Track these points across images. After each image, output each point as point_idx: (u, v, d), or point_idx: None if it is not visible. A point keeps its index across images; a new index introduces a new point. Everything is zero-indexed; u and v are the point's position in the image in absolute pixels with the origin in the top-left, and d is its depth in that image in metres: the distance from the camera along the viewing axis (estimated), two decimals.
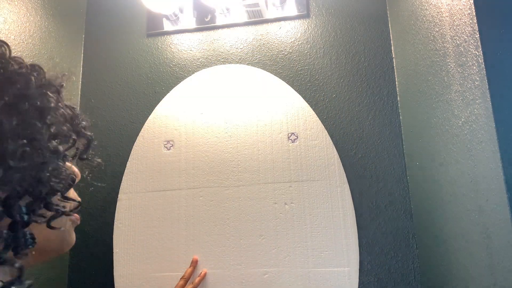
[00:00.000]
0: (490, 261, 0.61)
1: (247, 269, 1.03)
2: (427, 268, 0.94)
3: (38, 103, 0.39)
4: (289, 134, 1.10)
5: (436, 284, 0.89)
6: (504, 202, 0.54)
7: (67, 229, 0.46)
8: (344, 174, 1.05)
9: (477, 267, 0.67)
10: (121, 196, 1.12)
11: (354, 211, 1.02)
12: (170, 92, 1.19)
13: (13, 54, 0.40)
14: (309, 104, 1.11)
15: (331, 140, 1.08)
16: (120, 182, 1.13)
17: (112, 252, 1.09)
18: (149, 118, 1.18)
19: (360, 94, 1.11)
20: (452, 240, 0.77)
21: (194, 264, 1.04)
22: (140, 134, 1.17)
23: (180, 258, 1.05)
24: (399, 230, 1.01)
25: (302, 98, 1.12)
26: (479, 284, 0.66)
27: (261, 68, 1.17)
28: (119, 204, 1.12)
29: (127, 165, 1.15)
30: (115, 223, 1.10)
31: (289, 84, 1.14)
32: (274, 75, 1.16)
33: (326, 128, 1.09)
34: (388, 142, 1.07)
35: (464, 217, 0.70)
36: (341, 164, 1.06)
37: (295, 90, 1.13)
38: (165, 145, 1.15)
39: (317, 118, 1.10)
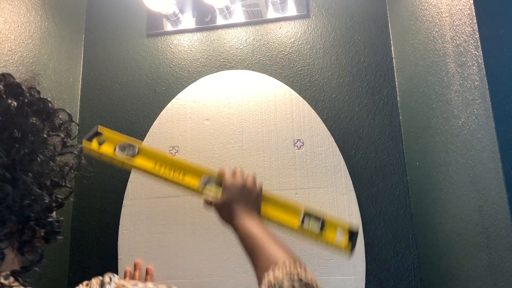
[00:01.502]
0: (490, 261, 0.61)
1: (253, 276, 1.01)
2: (427, 268, 0.94)
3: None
4: (295, 141, 1.09)
5: (436, 284, 0.89)
6: (504, 202, 0.54)
7: None
8: (351, 181, 1.04)
9: (477, 267, 0.67)
10: (125, 202, 1.12)
11: (360, 218, 1.01)
12: (175, 96, 1.19)
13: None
14: (309, 104, 1.11)
15: (337, 147, 1.07)
16: (125, 188, 1.13)
17: (117, 258, 1.08)
18: (154, 123, 1.17)
19: (360, 94, 1.11)
20: (452, 240, 0.77)
21: (138, 266, 1.04)
22: (145, 139, 1.17)
23: (185, 265, 1.04)
24: (399, 230, 1.01)
25: (308, 104, 1.11)
26: (479, 284, 0.66)
27: (264, 72, 1.17)
28: (123, 210, 1.11)
29: (131, 170, 1.14)
30: (120, 229, 1.10)
31: (288, 85, 1.14)
32: (279, 80, 1.15)
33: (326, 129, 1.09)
34: (388, 142, 1.07)
35: (464, 217, 0.70)
36: (347, 171, 1.05)
37: (295, 91, 1.13)
38: (170, 151, 1.14)
39: (323, 125, 1.09)
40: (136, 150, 0.86)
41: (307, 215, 0.79)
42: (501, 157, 0.54)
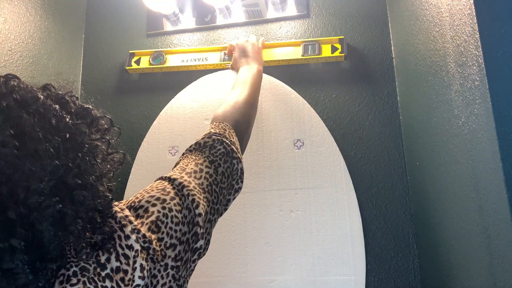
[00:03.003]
0: (490, 261, 0.61)
1: (253, 277, 1.02)
2: (427, 268, 0.94)
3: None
4: (295, 141, 1.09)
5: (436, 284, 0.89)
6: (504, 202, 0.54)
7: None
8: (351, 182, 1.03)
9: (477, 267, 0.67)
10: None
11: (360, 218, 1.01)
12: (175, 96, 1.18)
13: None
14: (309, 104, 1.11)
15: (337, 147, 1.06)
16: (125, 188, 1.13)
17: None
18: (153, 123, 1.17)
19: (360, 94, 1.11)
20: (452, 240, 0.77)
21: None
22: (145, 139, 1.16)
23: None
24: (399, 230, 1.01)
25: (308, 104, 1.11)
26: (479, 284, 0.66)
27: (264, 71, 1.16)
28: None
29: (131, 170, 1.14)
30: None
31: (288, 85, 1.14)
32: (279, 79, 1.15)
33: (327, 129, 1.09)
34: (388, 142, 1.07)
35: (464, 217, 0.70)
36: (347, 171, 1.04)
37: (295, 91, 1.13)
38: (170, 151, 1.14)
39: (323, 125, 1.09)
40: (165, 55, 1.20)
41: (306, 44, 1.12)
42: (501, 157, 0.54)
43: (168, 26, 1.26)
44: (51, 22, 1.17)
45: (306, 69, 1.15)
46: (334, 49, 1.11)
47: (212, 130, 0.72)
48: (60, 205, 0.40)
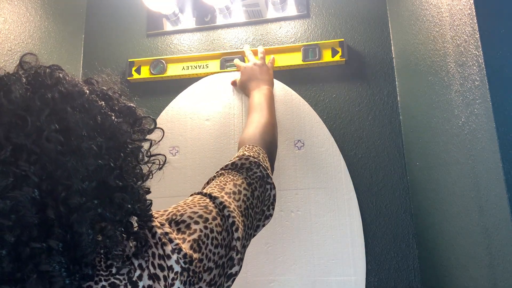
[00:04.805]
0: (490, 261, 0.61)
1: (253, 277, 1.02)
2: (427, 268, 0.94)
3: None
4: (295, 141, 1.09)
5: (436, 284, 0.89)
6: (504, 202, 0.54)
7: None
8: (351, 182, 1.03)
9: (477, 267, 0.67)
10: None
11: (361, 219, 1.01)
12: (175, 98, 1.19)
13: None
14: (309, 104, 1.11)
15: (337, 147, 1.06)
16: None
17: None
18: None
19: (360, 94, 1.11)
20: (452, 240, 0.77)
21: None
22: None
23: None
24: (399, 230, 1.01)
25: (308, 104, 1.11)
26: (479, 284, 0.66)
27: None
28: None
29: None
30: None
31: (288, 85, 1.14)
32: (279, 80, 1.15)
33: (327, 129, 1.09)
34: (388, 142, 1.07)
35: (464, 217, 0.70)
36: (348, 171, 1.04)
37: (295, 91, 1.13)
38: (171, 151, 1.14)
39: (324, 125, 1.09)
40: (165, 63, 1.19)
41: (306, 48, 1.12)
42: (501, 157, 0.54)
43: (168, 26, 1.26)
44: (51, 22, 1.17)
45: (306, 70, 1.15)
46: (334, 52, 1.11)
47: (246, 153, 0.70)
48: (101, 208, 0.39)
